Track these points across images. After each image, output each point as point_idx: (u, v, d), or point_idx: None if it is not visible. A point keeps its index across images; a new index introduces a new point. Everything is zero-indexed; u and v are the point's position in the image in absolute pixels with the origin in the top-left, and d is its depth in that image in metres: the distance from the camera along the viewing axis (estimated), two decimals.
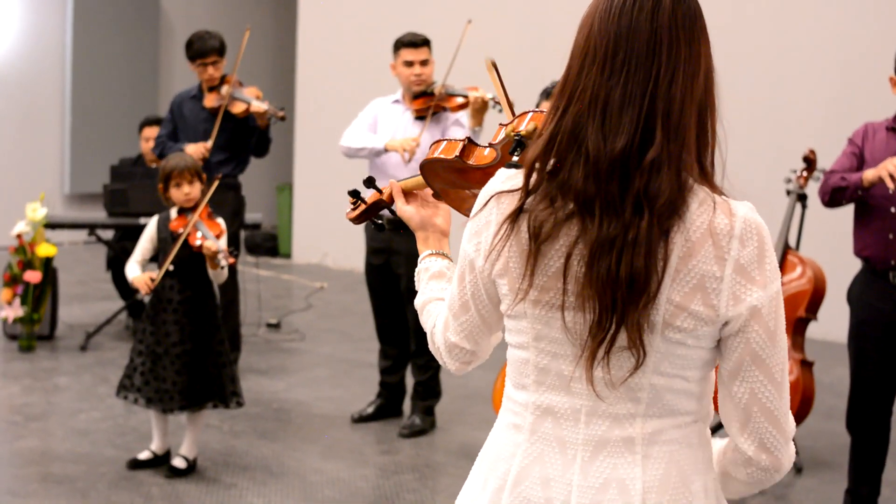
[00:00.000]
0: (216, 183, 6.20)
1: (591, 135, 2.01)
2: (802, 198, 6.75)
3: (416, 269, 2.58)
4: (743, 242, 2.00)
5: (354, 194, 2.85)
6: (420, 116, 6.93)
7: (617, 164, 1.99)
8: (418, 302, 2.50)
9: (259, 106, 7.89)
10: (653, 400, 2.08)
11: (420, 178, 2.64)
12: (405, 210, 2.65)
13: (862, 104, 8.39)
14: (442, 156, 2.53)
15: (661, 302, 2.00)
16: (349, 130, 7.09)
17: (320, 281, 12.89)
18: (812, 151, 6.68)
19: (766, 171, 9.57)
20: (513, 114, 2.50)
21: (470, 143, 2.52)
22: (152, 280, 5.92)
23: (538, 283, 2.09)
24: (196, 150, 7.86)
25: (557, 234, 2.05)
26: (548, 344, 2.12)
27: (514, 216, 2.09)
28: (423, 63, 6.97)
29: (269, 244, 15.21)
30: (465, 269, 2.23)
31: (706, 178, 2.06)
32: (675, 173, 1.99)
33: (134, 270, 6.04)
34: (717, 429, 6.68)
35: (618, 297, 1.99)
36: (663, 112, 1.99)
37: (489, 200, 2.17)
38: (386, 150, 6.85)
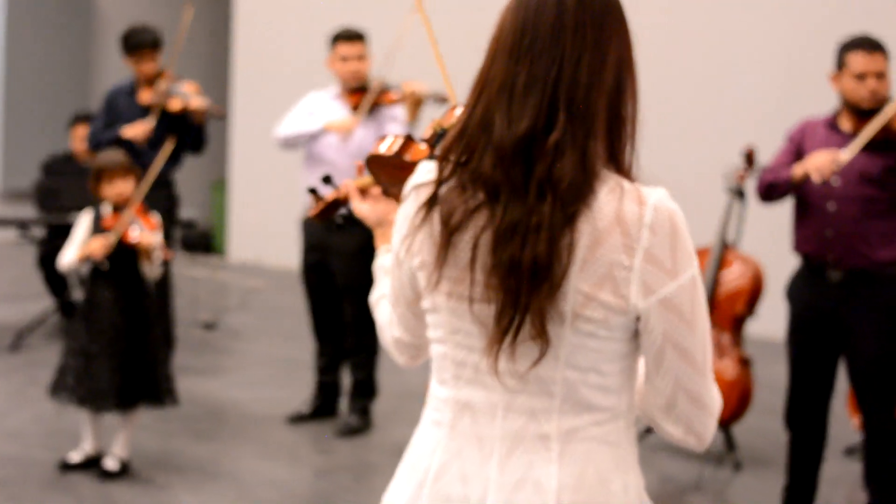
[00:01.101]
0: (168, 148, 6.11)
1: (498, 121, 2.01)
2: (741, 195, 6.75)
3: (374, 265, 2.59)
4: (654, 231, 1.99)
5: (313, 192, 2.92)
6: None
7: (520, 147, 1.99)
8: (373, 297, 2.50)
9: (198, 102, 7.78)
10: (567, 394, 2.06)
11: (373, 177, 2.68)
12: (361, 208, 2.67)
13: (803, 101, 8.44)
14: (382, 152, 2.56)
15: (568, 291, 1.99)
16: (284, 121, 7.04)
17: (256, 279, 12.82)
18: (751, 148, 6.68)
19: (706, 168, 9.60)
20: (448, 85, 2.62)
21: (408, 140, 2.56)
22: (106, 245, 5.80)
23: (451, 275, 2.08)
24: (135, 130, 7.71)
25: (468, 224, 2.04)
26: (463, 337, 2.11)
27: (428, 206, 2.09)
28: (360, 58, 6.92)
29: (205, 242, 15.09)
30: (394, 263, 2.23)
31: (619, 167, 2.05)
32: (580, 158, 1.98)
33: (71, 254, 5.92)
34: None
35: (521, 284, 1.97)
36: (567, 96, 1.99)
37: (409, 193, 2.18)
38: (325, 131, 6.80)
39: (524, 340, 2.01)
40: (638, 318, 2.03)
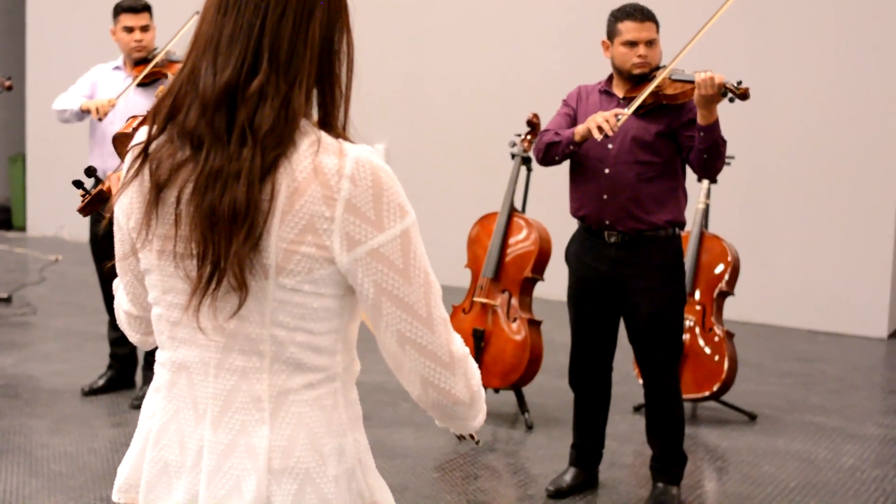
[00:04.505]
0: None
1: (203, 74, 2.02)
2: (527, 161, 6.87)
3: None
4: (355, 182, 1.98)
5: (79, 185, 2.82)
6: (141, 83, 6.75)
7: (223, 95, 2.00)
8: (116, 282, 2.42)
9: None
10: (276, 354, 2.05)
11: None
12: None
13: (588, 70, 8.59)
14: (124, 130, 2.53)
15: (270, 244, 1.98)
16: (62, 94, 6.93)
17: (56, 253, 12.58)
18: (535, 115, 6.81)
19: (493, 135, 9.75)
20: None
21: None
22: None
23: (161, 233, 2.07)
24: None
25: (176, 180, 2.03)
26: (175, 296, 2.09)
27: (139, 163, 2.08)
28: (144, 29, 6.81)
29: (3, 217, 14.77)
30: (116, 229, 2.20)
31: (331, 126, 2.06)
32: (282, 107, 1.99)
33: None
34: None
35: (220, 231, 1.97)
36: (271, 47, 2.00)
37: (128, 155, 2.16)
38: (82, 111, 6.71)
39: (226, 292, 2.01)
40: (347, 275, 2.03)
